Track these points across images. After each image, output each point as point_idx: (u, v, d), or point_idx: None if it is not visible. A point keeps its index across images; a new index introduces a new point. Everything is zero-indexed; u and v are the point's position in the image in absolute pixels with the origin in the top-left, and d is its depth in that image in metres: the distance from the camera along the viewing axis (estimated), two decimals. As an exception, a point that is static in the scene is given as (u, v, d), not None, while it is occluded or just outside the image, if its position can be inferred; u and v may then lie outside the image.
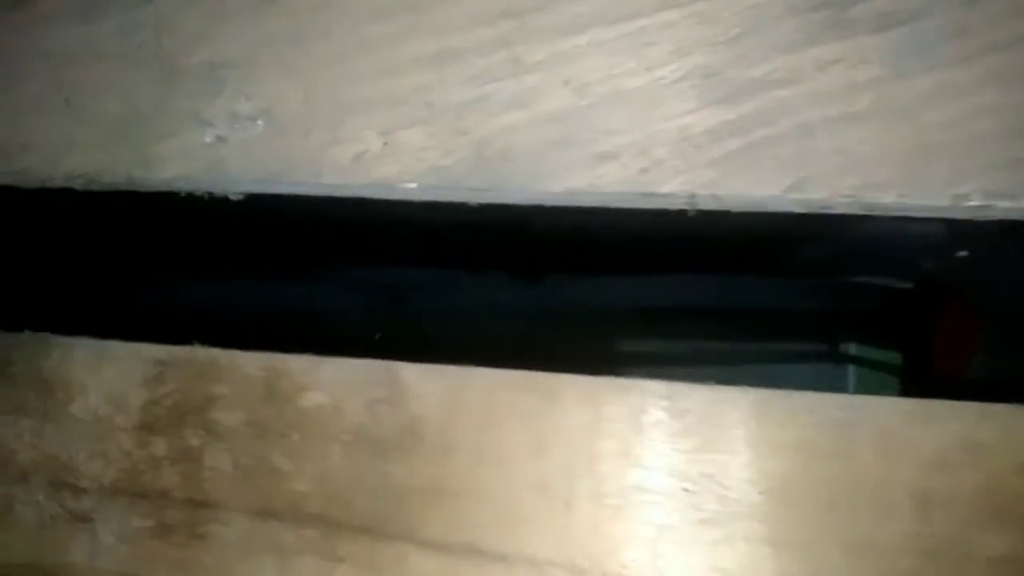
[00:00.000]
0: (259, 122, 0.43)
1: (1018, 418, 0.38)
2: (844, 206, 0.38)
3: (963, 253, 0.51)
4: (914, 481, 0.38)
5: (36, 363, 0.47)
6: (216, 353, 0.44)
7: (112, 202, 0.49)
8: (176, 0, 0.45)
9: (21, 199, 0.49)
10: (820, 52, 0.39)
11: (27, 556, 0.45)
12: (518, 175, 0.41)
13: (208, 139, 0.44)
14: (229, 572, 0.43)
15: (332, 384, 0.43)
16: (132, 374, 0.45)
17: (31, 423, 0.46)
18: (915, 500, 0.38)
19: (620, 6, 0.40)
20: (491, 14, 0.41)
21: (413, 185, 0.42)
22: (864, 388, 1.27)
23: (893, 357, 1.19)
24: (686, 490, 0.39)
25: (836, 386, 1.26)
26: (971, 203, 0.37)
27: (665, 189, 0.39)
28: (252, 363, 0.44)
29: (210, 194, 0.45)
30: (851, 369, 1.30)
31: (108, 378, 0.45)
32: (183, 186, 0.45)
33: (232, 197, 0.45)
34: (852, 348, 1.31)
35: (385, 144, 0.42)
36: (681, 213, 0.40)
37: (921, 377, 1.04)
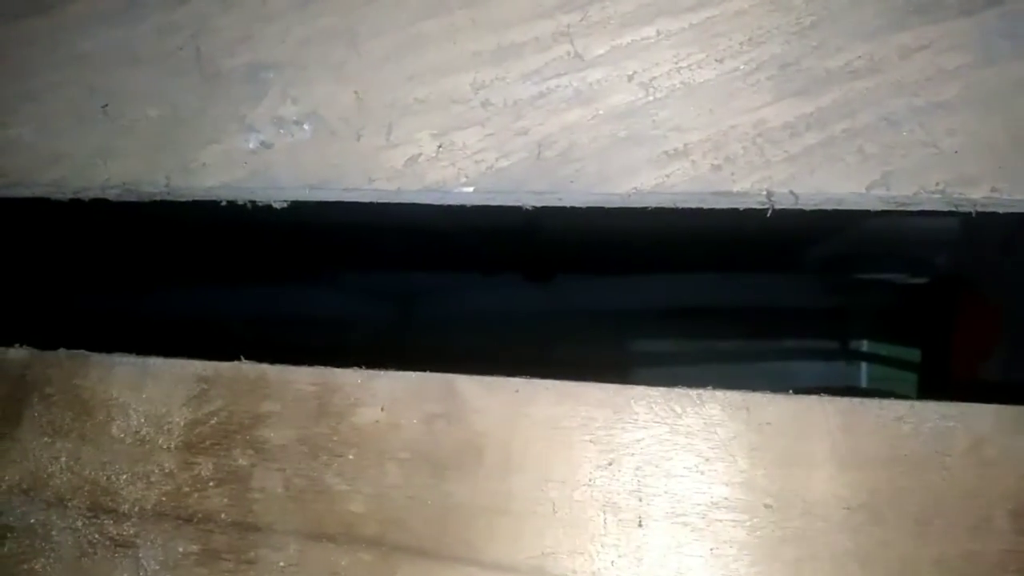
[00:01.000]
0: (306, 126, 0.41)
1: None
2: (932, 203, 0.36)
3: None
4: (1013, 494, 0.36)
5: (73, 382, 0.45)
6: (264, 368, 0.42)
7: (144, 212, 0.47)
8: None
9: (53, 211, 0.47)
10: (904, 38, 0.36)
11: (66, 585, 0.43)
12: (581, 176, 0.39)
13: (252, 145, 0.42)
14: (280, 599, 0.41)
15: (387, 399, 0.41)
16: (174, 392, 0.43)
17: (68, 445, 0.44)
18: (1014, 514, 0.36)
19: (688, -5, 0.38)
20: (551, 6, 0.39)
21: (470, 189, 0.40)
22: (876, 384, 1.26)
23: (908, 353, 1.18)
24: (767, 506, 0.37)
25: (848, 382, 1.25)
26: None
27: (739, 187, 0.37)
28: (302, 378, 0.42)
29: (253, 203, 0.43)
30: (863, 366, 1.29)
31: (149, 397, 0.43)
32: (225, 194, 0.43)
33: (276, 205, 0.43)
34: (865, 344, 1.30)
35: (440, 146, 0.40)
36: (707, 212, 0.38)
37: (939, 374, 1.02)
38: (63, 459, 0.44)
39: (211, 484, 0.42)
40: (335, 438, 0.41)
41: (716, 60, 0.38)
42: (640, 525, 0.38)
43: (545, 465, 0.39)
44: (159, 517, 0.42)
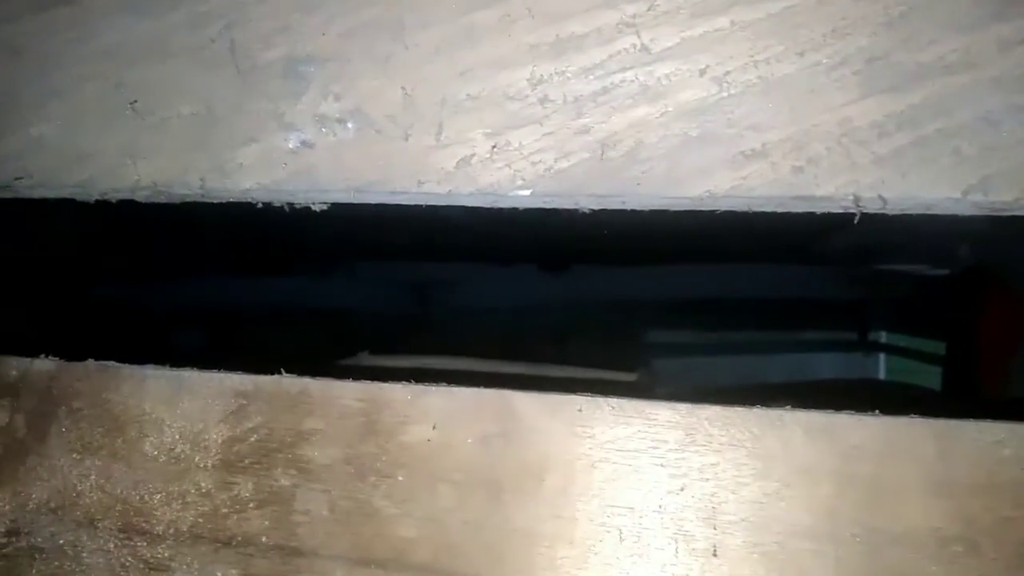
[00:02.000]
0: (349, 124, 0.38)
1: None
2: (1034, 208, 0.33)
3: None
4: (1122, 523, 0.33)
5: (103, 396, 0.42)
6: (306, 382, 0.40)
7: (175, 214, 0.44)
8: (251, -11, 0.40)
9: (78, 212, 0.44)
10: (1003, 30, 0.33)
11: (98, 609, 0.41)
12: (648, 178, 0.36)
13: (292, 144, 0.39)
14: (325, 628, 0.38)
15: (438, 416, 0.38)
16: (211, 407, 0.41)
17: (98, 463, 0.42)
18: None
19: (767, -17, 0.35)
20: (616, -5, 0.36)
21: (526, 192, 0.37)
22: (895, 376, 1.24)
23: (928, 345, 1.16)
24: (854, 536, 0.34)
25: (867, 375, 1.23)
26: None
27: (823, 191, 0.34)
28: (348, 393, 0.39)
29: (291, 205, 0.40)
30: (882, 357, 1.27)
31: (184, 412, 0.41)
32: (263, 196, 0.40)
33: (315, 208, 0.40)
34: (883, 336, 1.28)
35: (494, 146, 0.37)
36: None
37: (963, 368, 1.00)
38: (93, 477, 0.42)
39: (251, 505, 0.39)
40: (383, 458, 0.38)
41: (796, 53, 0.35)
42: (715, 555, 0.35)
43: (611, 490, 0.36)
44: (195, 540, 0.40)
